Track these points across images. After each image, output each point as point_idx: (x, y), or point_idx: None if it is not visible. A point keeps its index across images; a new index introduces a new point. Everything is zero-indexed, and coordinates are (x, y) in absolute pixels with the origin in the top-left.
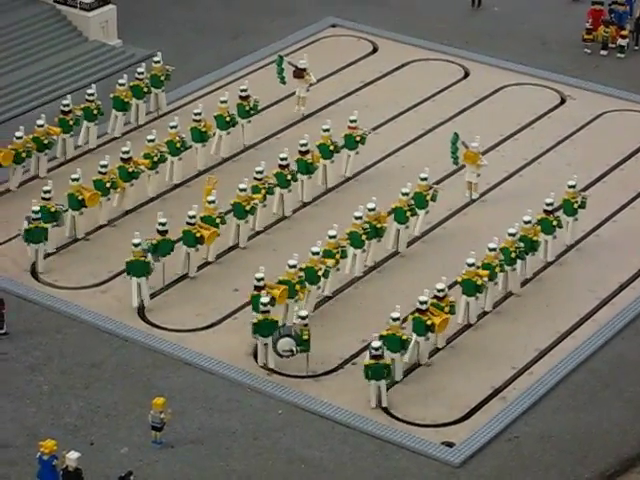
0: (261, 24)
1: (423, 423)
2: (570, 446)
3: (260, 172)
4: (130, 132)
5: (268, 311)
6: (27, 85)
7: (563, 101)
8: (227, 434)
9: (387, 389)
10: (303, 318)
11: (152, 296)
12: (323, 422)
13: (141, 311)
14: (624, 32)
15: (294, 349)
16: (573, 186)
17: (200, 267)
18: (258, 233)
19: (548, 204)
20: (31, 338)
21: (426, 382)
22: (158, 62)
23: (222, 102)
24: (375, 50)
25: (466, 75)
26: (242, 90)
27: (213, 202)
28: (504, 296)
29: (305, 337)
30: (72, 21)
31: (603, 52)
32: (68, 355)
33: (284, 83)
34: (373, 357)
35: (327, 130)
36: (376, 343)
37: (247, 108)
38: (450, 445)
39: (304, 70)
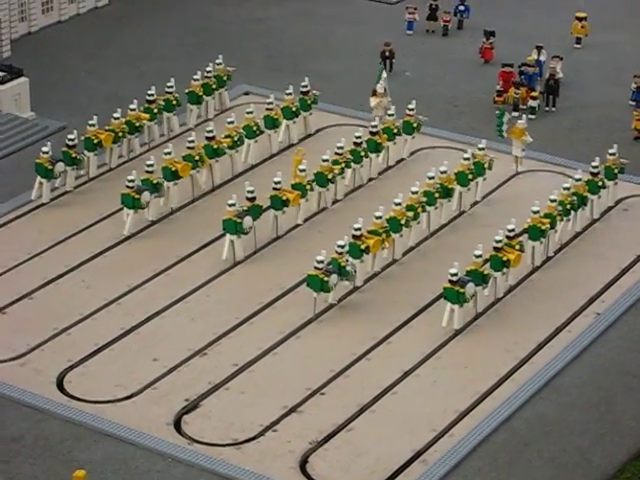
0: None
1: None
2: None
3: (341, 147)
4: (200, 124)
5: (320, 268)
6: None
7: None
8: None
9: (468, 325)
10: (342, 247)
11: (70, 368)
12: None
13: (60, 383)
14: (534, 93)
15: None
16: (613, 153)
17: (120, 337)
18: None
19: (594, 167)
20: None
21: (347, 446)
22: (220, 64)
23: (287, 94)
24: None
25: None
26: (303, 86)
27: (304, 170)
28: (425, 356)
29: (343, 265)
30: None
31: (514, 113)
32: None
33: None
34: (450, 282)
35: (392, 115)
36: (453, 269)
37: (309, 102)
38: None
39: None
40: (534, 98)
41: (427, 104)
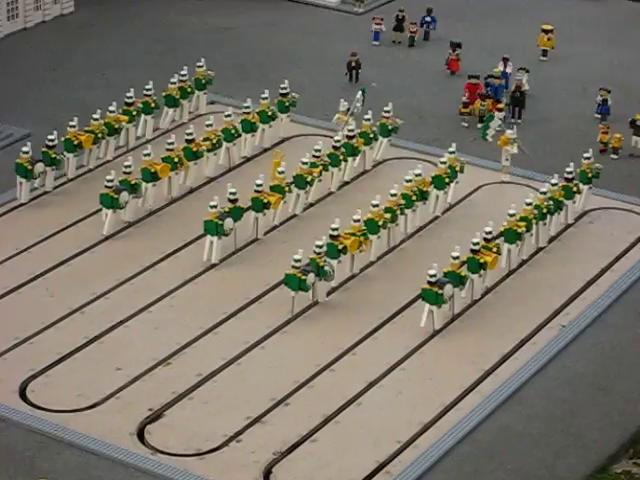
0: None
1: None
2: None
3: (318, 150)
4: (176, 128)
5: (297, 267)
6: None
7: None
8: None
9: (448, 323)
10: (320, 247)
11: (33, 377)
12: None
13: (22, 392)
14: (500, 105)
15: (316, 280)
16: (588, 158)
17: (83, 346)
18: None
19: (568, 172)
20: None
21: (311, 457)
22: (201, 67)
23: (263, 99)
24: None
25: None
26: (282, 88)
27: (283, 172)
28: (390, 367)
29: (321, 265)
30: None
31: (480, 125)
32: None
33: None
34: (428, 283)
35: (369, 120)
36: (432, 271)
37: (287, 104)
38: None
39: None
40: (500, 110)
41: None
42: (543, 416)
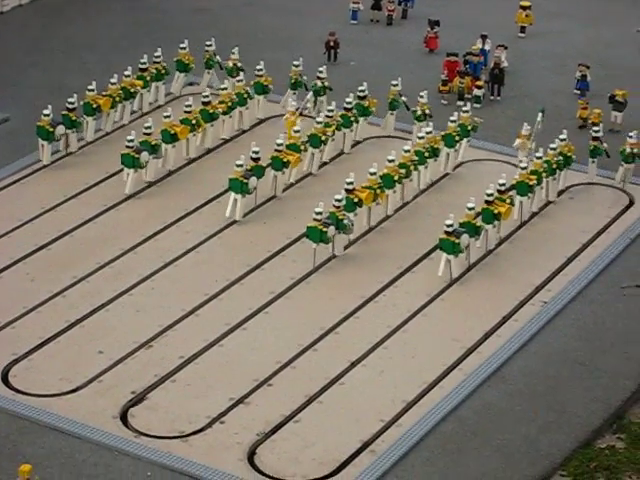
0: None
1: (293, 479)
2: None
3: (331, 111)
4: (194, 94)
5: (319, 220)
6: None
7: None
8: None
9: (460, 276)
10: (339, 201)
11: (15, 361)
12: None
13: (5, 377)
14: (479, 82)
15: (335, 233)
16: (597, 131)
17: (65, 330)
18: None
19: (596, 131)
20: None
21: (295, 438)
22: (210, 46)
23: (295, 66)
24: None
25: None
26: (295, 66)
27: (298, 132)
28: (372, 346)
29: (340, 218)
30: None
31: (460, 103)
32: None
33: None
34: (445, 233)
35: (396, 85)
36: (449, 221)
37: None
38: None
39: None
40: (479, 87)
41: (372, 94)
42: (526, 392)
